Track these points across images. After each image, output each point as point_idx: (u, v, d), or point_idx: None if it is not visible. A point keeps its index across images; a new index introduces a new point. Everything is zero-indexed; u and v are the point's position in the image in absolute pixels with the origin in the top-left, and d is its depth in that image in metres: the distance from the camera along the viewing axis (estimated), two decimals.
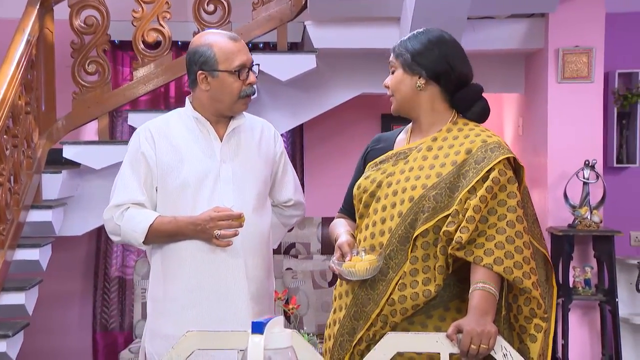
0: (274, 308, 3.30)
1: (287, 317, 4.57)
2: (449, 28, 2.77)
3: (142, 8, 5.10)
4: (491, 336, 2.27)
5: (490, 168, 2.46)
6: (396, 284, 2.49)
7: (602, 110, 5.32)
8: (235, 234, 2.88)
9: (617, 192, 5.52)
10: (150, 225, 2.92)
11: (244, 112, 3.10)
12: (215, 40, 3.00)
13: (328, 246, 5.64)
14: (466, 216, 2.42)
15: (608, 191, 5.24)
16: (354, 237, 2.67)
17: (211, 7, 5.13)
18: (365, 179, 2.67)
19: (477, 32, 5.14)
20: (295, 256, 5.59)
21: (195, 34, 5.04)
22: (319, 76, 5.35)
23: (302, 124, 5.84)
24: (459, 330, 2.29)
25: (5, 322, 4.37)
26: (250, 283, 3.01)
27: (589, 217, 5.08)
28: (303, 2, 5.11)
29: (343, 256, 2.55)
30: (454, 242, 2.42)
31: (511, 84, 5.76)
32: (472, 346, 2.25)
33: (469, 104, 2.65)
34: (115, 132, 6.02)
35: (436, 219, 2.47)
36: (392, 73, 2.67)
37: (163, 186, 2.99)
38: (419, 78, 2.60)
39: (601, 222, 5.14)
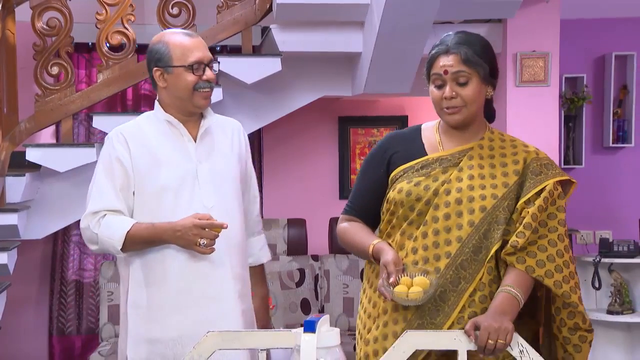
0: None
1: None
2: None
3: (106, 10, 5.05)
4: (508, 332, 2.31)
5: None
6: (470, 295, 2.49)
7: (558, 112, 5.50)
8: (216, 236, 2.87)
9: None
10: (128, 231, 2.88)
11: (212, 111, 3.12)
12: (170, 37, 3.03)
13: (294, 247, 5.72)
14: (523, 223, 2.49)
15: None
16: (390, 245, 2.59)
17: (175, 10, 5.10)
18: (415, 185, 2.58)
19: (438, 36, 5.22)
20: None
21: None
22: (282, 79, 5.38)
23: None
24: (477, 327, 2.34)
25: None
26: (236, 282, 3.05)
27: None
28: (268, 6, 5.15)
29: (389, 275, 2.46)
30: (508, 245, 2.48)
31: None
32: (490, 341, 2.30)
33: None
34: (73, 135, 5.96)
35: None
36: (460, 83, 2.55)
37: (140, 191, 2.98)
38: (489, 88, 2.62)
39: None
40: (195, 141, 3.04)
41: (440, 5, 4.66)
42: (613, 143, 6.22)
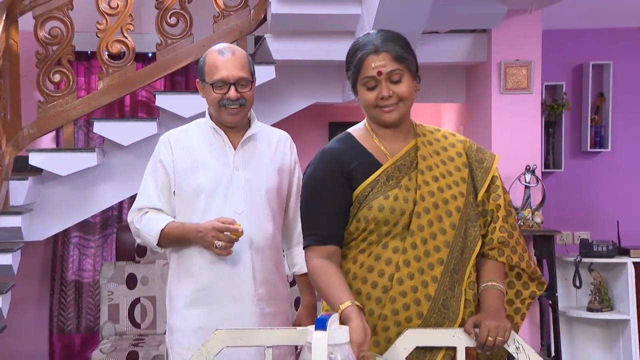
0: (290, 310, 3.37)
1: None
2: None
3: (106, 20, 5.20)
4: (506, 330, 2.41)
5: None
6: (464, 295, 2.51)
7: (540, 119, 5.71)
8: (235, 240, 2.98)
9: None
10: (162, 229, 3.07)
11: (257, 122, 3.23)
12: (209, 53, 3.16)
13: None
14: (500, 215, 2.56)
15: None
16: (362, 309, 2.34)
17: (173, 20, 5.26)
18: (395, 200, 2.47)
19: (425, 45, 5.41)
20: None
21: (157, 45, 5.24)
22: (275, 86, 5.54)
23: None
24: (476, 325, 2.43)
25: None
26: (259, 285, 3.13)
27: (530, 218, 5.46)
28: (262, 16, 5.32)
29: None
30: (495, 241, 2.56)
31: (453, 94, 6.11)
32: (489, 338, 2.38)
33: None
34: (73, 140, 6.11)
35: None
36: (394, 81, 2.47)
37: (180, 192, 3.14)
38: (416, 82, 2.55)
39: (542, 222, 5.52)
40: (235, 149, 3.15)
41: (428, 16, 4.86)
42: (591, 148, 6.42)
